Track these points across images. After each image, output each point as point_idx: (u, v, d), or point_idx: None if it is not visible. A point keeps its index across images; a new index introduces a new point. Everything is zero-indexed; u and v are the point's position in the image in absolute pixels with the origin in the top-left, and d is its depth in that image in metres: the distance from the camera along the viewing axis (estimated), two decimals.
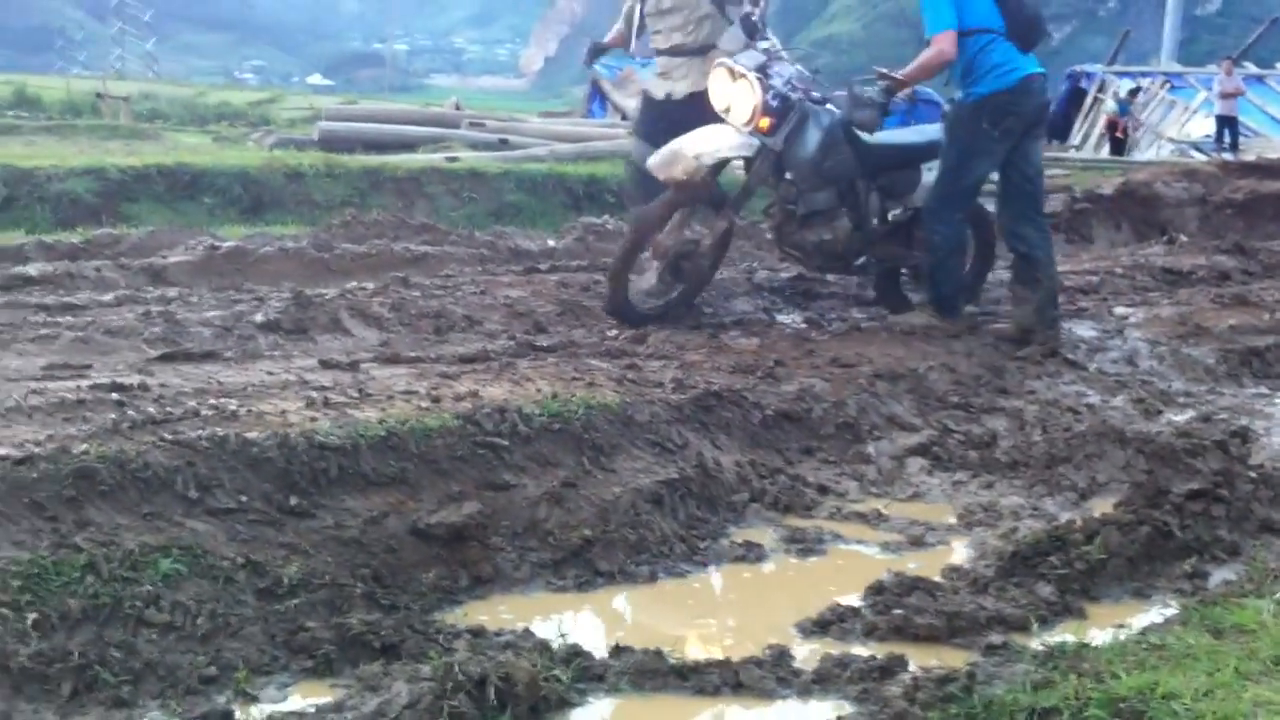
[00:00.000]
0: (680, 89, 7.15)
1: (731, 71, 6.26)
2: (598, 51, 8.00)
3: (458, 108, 21.48)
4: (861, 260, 6.67)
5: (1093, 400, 5.46)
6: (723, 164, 6.43)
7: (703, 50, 7.04)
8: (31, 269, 6.55)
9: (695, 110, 6.64)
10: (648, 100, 7.57)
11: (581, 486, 3.98)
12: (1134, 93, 27.59)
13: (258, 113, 29.81)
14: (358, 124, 15.57)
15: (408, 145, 14.42)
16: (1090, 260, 9.40)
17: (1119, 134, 25.83)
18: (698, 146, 6.20)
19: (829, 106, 6.41)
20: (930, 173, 6.49)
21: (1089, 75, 31.25)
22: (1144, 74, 30.67)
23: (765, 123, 6.19)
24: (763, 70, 6.26)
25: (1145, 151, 25.64)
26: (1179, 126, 26.65)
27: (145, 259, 6.97)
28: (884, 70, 6.09)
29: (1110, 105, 26.99)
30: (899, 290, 6.99)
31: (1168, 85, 28.82)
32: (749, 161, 6.39)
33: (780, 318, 6.73)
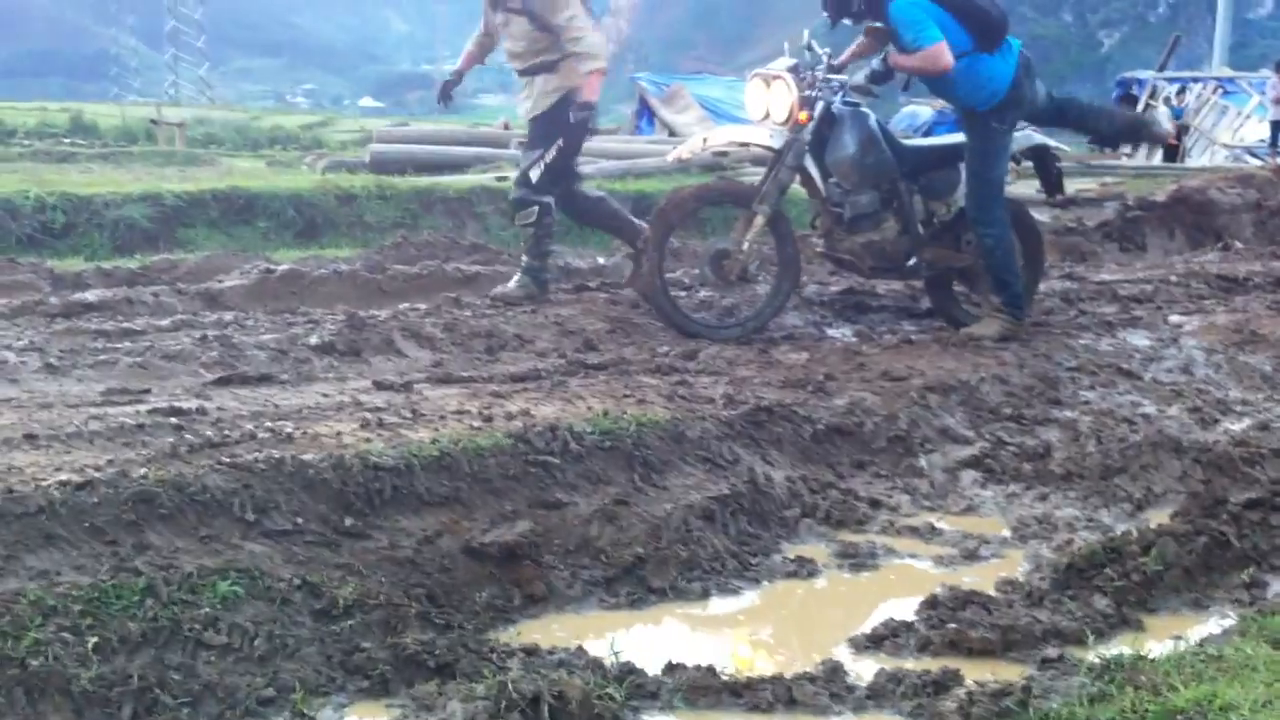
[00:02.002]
0: (525, 109, 7.17)
1: (765, 79, 6.38)
2: (448, 92, 7.64)
3: (506, 127, 21.56)
4: (913, 263, 6.67)
5: (1148, 410, 5.41)
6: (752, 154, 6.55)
7: (538, 70, 6.98)
8: (90, 295, 6.65)
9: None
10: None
11: (633, 504, 3.99)
12: (1180, 93, 27.30)
13: (310, 136, 30.06)
14: (408, 146, 15.69)
15: (457, 166, 14.52)
16: (1144, 268, 9.32)
17: (1172, 141, 25.56)
18: (710, 131, 6.46)
19: (863, 109, 6.50)
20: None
21: (1140, 82, 30.96)
22: (1195, 79, 30.35)
23: (804, 115, 6.32)
24: (795, 71, 6.39)
25: (1199, 158, 25.36)
26: (1232, 132, 26.32)
27: (201, 284, 7.07)
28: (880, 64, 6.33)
29: (1162, 111, 26.71)
30: (956, 302, 6.97)
31: (1220, 90, 28.48)
32: (776, 157, 6.41)
33: (830, 331, 6.71)
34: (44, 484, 3.32)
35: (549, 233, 7.15)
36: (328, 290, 7.08)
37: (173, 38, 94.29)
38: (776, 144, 6.38)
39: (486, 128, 23.13)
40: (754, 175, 7.28)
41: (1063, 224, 10.74)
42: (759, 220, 6.34)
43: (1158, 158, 25.20)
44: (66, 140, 23.23)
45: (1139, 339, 6.54)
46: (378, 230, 10.03)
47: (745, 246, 6.36)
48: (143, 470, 3.48)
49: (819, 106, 6.39)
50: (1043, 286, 7.78)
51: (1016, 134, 6.74)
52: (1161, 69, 32.67)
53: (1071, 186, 13.74)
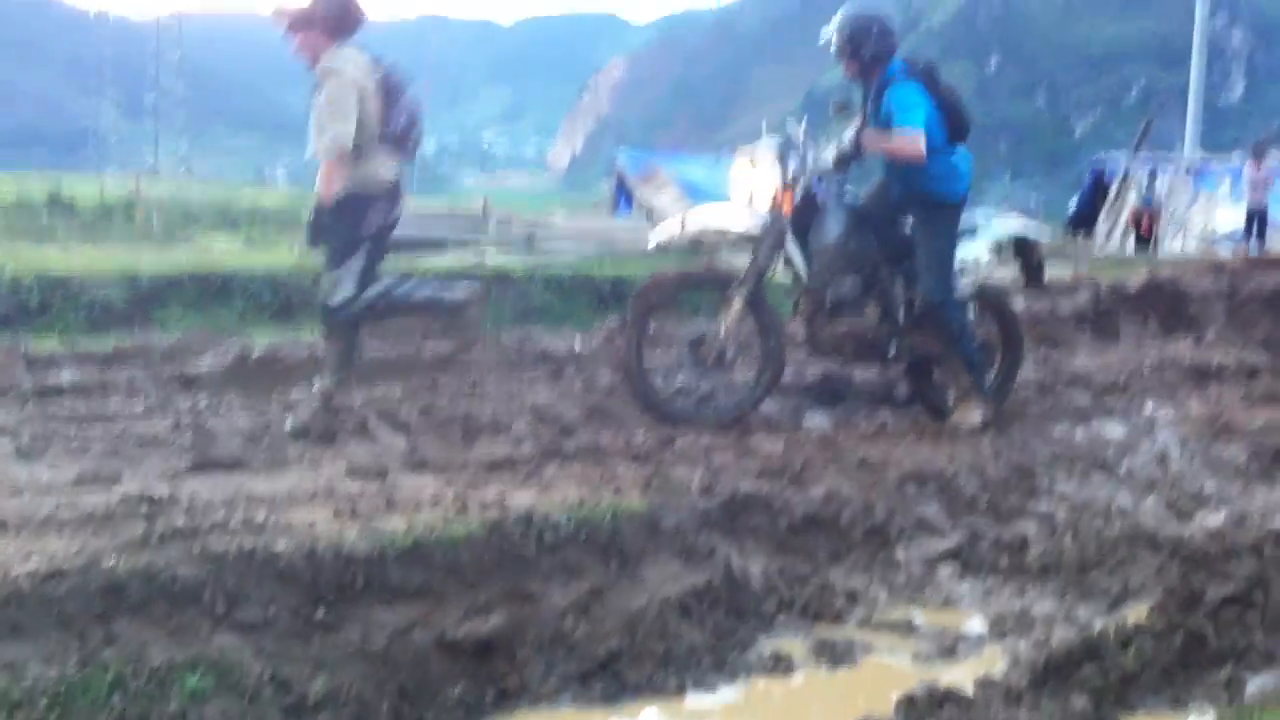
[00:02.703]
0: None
1: (752, 159, 6.43)
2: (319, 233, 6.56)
3: (486, 208, 21.71)
4: (894, 350, 6.70)
5: (1124, 502, 5.40)
6: (727, 241, 6.65)
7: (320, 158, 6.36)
8: (64, 378, 6.61)
9: (326, 216, 6.28)
10: None
11: (608, 596, 3.96)
12: (1152, 175, 27.64)
13: (288, 213, 30.14)
14: None
15: (435, 246, 14.57)
16: (1118, 357, 9.36)
17: (1145, 232, 25.85)
18: (688, 214, 6.58)
19: (849, 189, 6.60)
20: None
21: (1112, 168, 31.36)
22: (1168, 163, 30.76)
23: (789, 196, 6.40)
24: (782, 154, 6.46)
25: (1171, 243, 25.63)
26: (1204, 217, 26.66)
27: (176, 366, 7.03)
28: (847, 147, 6.44)
29: (1134, 198, 27.05)
30: (937, 390, 6.97)
31: (1192, 175, 28.87)
32: (756, 242, 6.45)
33: (807, 418, 6.71)
34: (13, 573, 3.27)
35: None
36: (304, 373, 7.05)
37: (153, 112, 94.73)
38: (754, 230, 6.43)
39: (464, 207, 23.23)
40: (734, 257, 7.29)
41: (1037, 311, 10.81)
42: (736, 304, 6.36)
43: (1130, 244, 25.51)
44: (44, 215, 23.21)
45: (1114, 429, 6.56)
46: None
47: (723, 331, 6.37)
48: (113, 560, 3.44)
49: (798, 192, 6.46)
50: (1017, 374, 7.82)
51: (998, 222, 6.88)
52: (1136, 150, 33.14)
53: (1045, 274, 13.88)
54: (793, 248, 6.50)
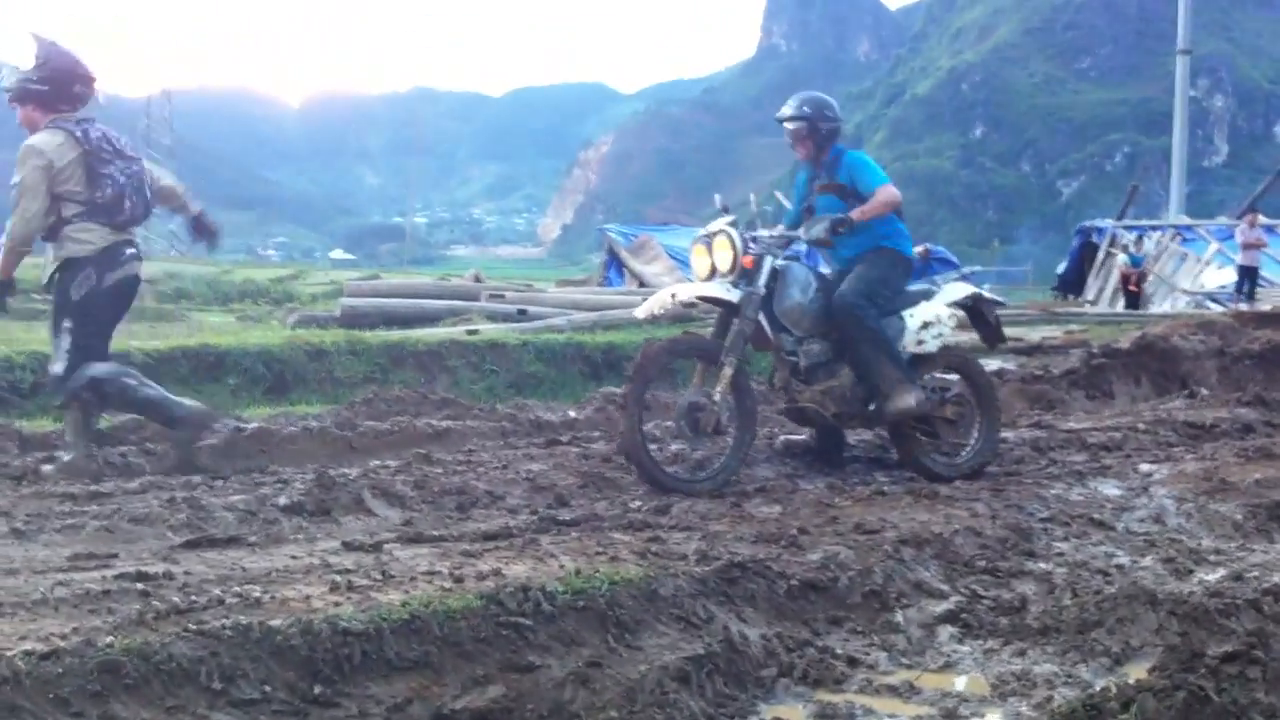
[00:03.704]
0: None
1: (708, 245, 6.62)
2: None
3: (478, 279, 21.81)
4: (873, 407, 6.82)
5: (1122, 560, 5.40)
6: (718, 306, 6.71)
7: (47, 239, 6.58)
8: (58, 457, 6.60)
9: (5, 291, 6.69)
10: None
11: (607, 665, 3.93)
12: (1139, 240, 27.90)
13: (281, 289, 30.28)
14: (379, 300, 15.82)
15: (429, 318, 14.62)
16: (1112, 416, 9.39)
17: (1133, 287, 26.04)
18: (678, 287, 6.77)
19: (803, 260, 7.00)
20: (912, 319, 6.98)
21: (1099, 230, 31.61)
22: (1154, 227, 31.04)
23: (748, 260, 6.60)
24: (735, 225, 6.69)
25: (1160, 304, 25.79)
26: (1192, 278, 26.84)
27: (170, 444, 7.02)
28: (840, 216, 6.72)
29: (1123, 259, 27.27)
30: (923, 448, 7.01)
31: (1178, 238, 29.11)
32: (734, 310, 6.58)
33: (802, 483, 6.71)
34: (9, 654, 3.25)
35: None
36: (297, 448, 7.05)
37: None
38: (735, 298, 6.53)
39: (458, 279, 23.34)
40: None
41: (1030, 371, 10.86)
42: (727, 371, 6.44)
43: (1119, 305, 25.65)
44: (36, 296, 23.24)
45: (1110, 488, 6.57)
46: (348, 385, 10.05)
47: (718, 398, 6.41)
48: (109, 639, 3.42)
49: (767, 261, 6.66)
50: (1012, 435, 7.85)
51: (951, 284, 7.16)
52: (1120, 217, 33.46)
53: (1036, 334, 13.96)
54: (760, 316, 6.64)
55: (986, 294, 7.53)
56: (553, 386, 10.58)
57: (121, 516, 5.18)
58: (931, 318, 6.98)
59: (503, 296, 16.53)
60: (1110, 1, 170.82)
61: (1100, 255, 30.46)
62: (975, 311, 7.35)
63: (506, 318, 14.75)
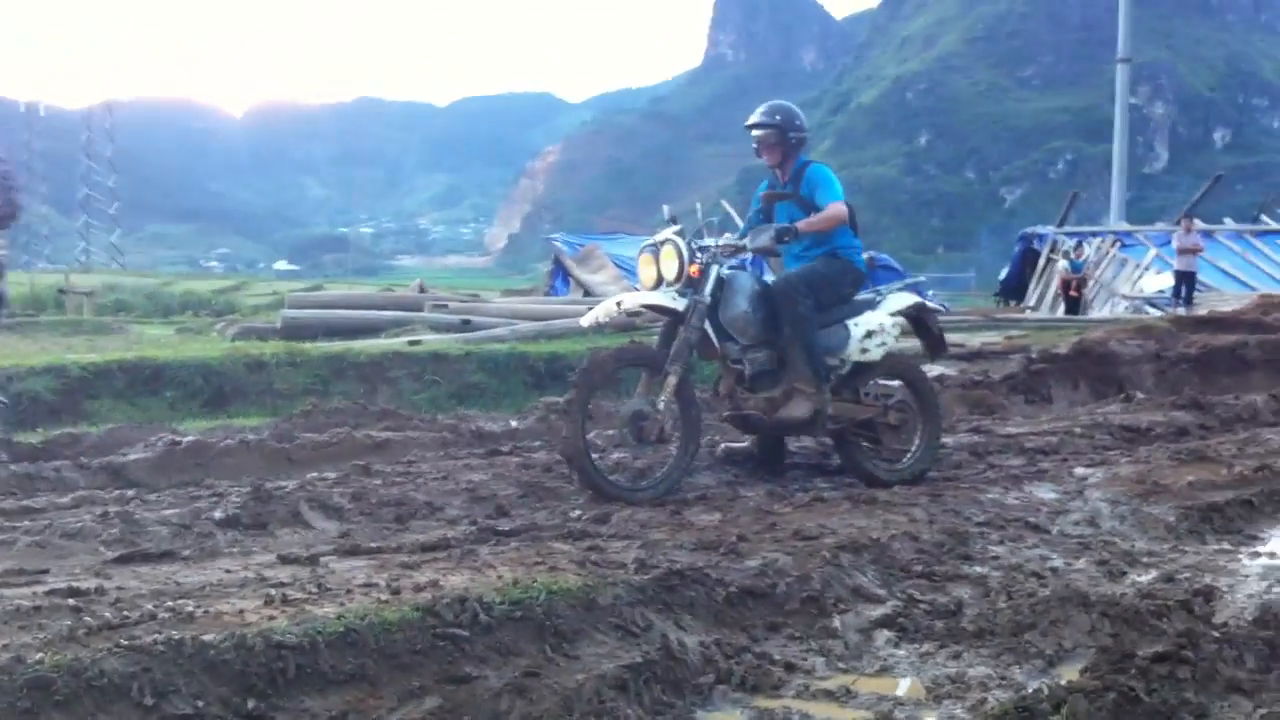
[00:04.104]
0: None
1: (655, 254, 6.63)
2: None
3: (422, 289, 21.72)
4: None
5: (1056, 564, 5.45)
6: (663, 314, 6.75)
7: None
8: None
9: None
10: None
11: (545, 675, 3.92)
12: (1079, 246, 28.25)
13: (222, 301, 30.05)
14: (321, 311, 15.73)
15: (372, 329, 14.55)
16: (1049, 420, 9.49)
17: (1073, 293, 26.34)
18: (623, 295, 6.81)
19: (748, 270, 6.91)
20: (856, 327, 7.04)
21: (1040, 236, 31.96)
22: (1094, 234, 31.41)
23: (694, 269, 6.62)
24: (681, 234, 6.71)
25: (1100, 309, 26.09)
26: (1131, 283, 27.19)
27: (105, 458, 6.96)
28: (786, 225, 6.80)
29: (1063, 264, 27.58)
30: (865, 455, 7.07)
31: (1118, 244, 29.48)
32: (680, 319, 6.61)
33: (743, 490, 6.74)
34: None
35: None
36: (235, 461, 7.00)
37: (85, 205, 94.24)
38: (680, 307, 6.56)
39: (402, 290, 23.25)
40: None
41: (969, 377, 10.95)
42: (672, 380, 6.46)
43: (1060, 310, 25.93)
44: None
45: (1046, 492, 6.64)
46: (288, 398, 9.98)
47: (662, 407, 6.43)
48: (39, 655, 3.37)
49: (713, 270, 6.68)
50: (951, 440, 7.91)
51: (894, 294, 7.30)
52: (1061, 224, 33.84)
53: (977, 340, 14.08)
54: (705, 324, 6.67)
55: (930, 303, 7.61)
56: (495, 397, 10.56)
57: (53, 532, 5.12)
58: (875, 326, 7.04)
59: (446, 306, 16.48)
60: (1052, 10, 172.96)
61: (1041, 261, 30.81)
62: (918, 321, 7.42)
63: (450, 328, 14.70)
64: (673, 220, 6.87)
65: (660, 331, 6.84)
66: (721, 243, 6.84)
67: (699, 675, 4.24)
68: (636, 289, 7.07)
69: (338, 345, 11.98)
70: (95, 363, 9.81)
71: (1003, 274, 35.06)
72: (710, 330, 6.70)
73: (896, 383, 7.33)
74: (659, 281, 6.67)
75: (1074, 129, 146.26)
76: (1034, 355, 11.60)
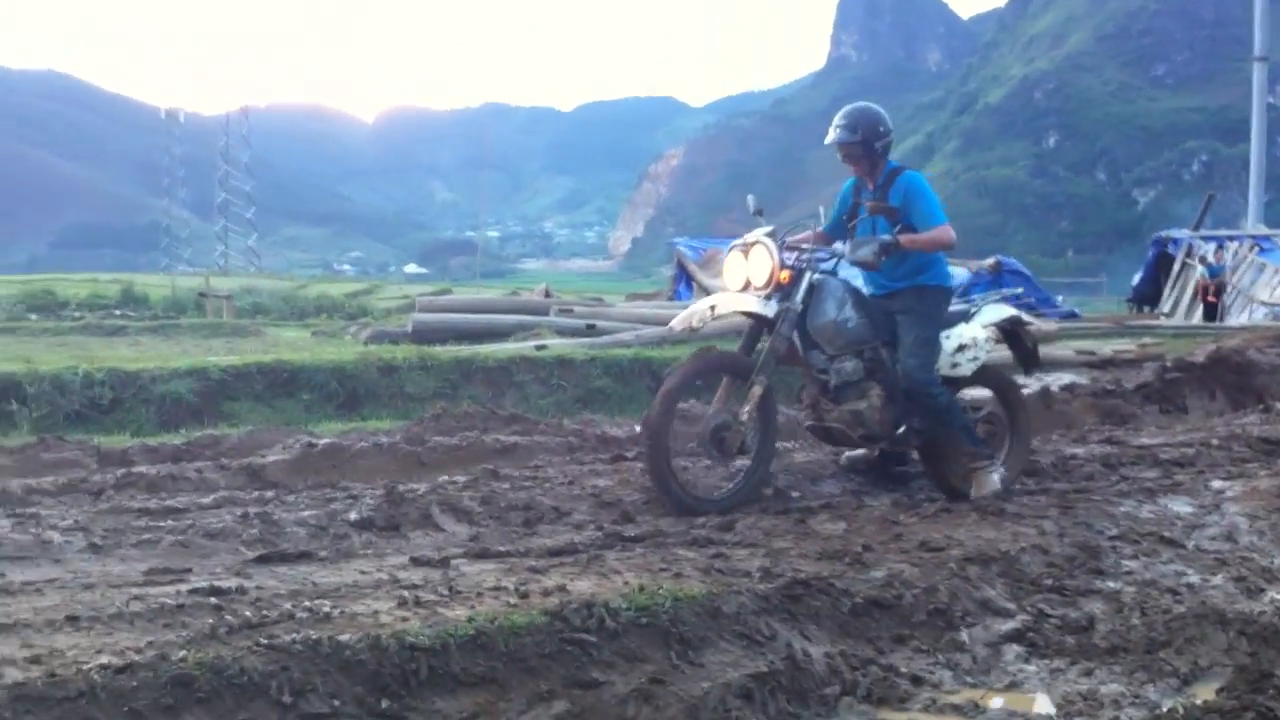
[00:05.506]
0: None
1: (743, 249, 6.50)
2: None
3: (547, 293, 21.92)
4: (902, 430, 6.70)
5: (1192, 579, 5.33)
6: (751, 323, 6.60)
7: None
8: (135, 472, 6.74)
9: None
10: None
11: (670, 682, 3.96)
12: (1218, 250, 27.48)
13: (355, 304, 30.61)
14: (449, 315, 15.96)
15: (498, 334, 14.73)
16: (1184, 431, 9.26)
17: (1211, 298, 25.64)
18: (715, 299, 6.56)
19: (841, 276, 6.73)
20: (948, 340, 6.81)
21: (1175, 241, 31.13)
22: (1231, 237, 30.52)
23: (785, 275, 6.46)
24: (773, 236, 6.55)
25: (1237, 315, 25.35)
26: (1270, 289, 26.35)
27: (244, 459, 7.16)
28: (889, 240, 6.50)
29: (1200, 269, 26.86)
30: (952, 470, 6.89)
31: (1256, 248, 28.60)
32: (769, 325, 6.49)
33: (868, 500, 6.69)
34: (85, 667, 3.34)
35: None
36: (368, 464, 7.15)
37: (223, 209, 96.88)
38: (771, 314, 6.46)
39: (527, 294, 23.48)
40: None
41: (1101, 386, 10.74)
42: (757, 390, 6.34)
43: (1197, 317, 25.24)
44: (117, 312, 23.74)
45: (1181, 505, 6.48)
46: (419, 401, 10.16)
47: (744, 418, 6.32)
48: (182, 652, 3.50)
49: (806, 277, 6.52)
50: (1083, 451, 7.78)
51: (989, 306, 7.11)
52: (1197, 227, 32.93)
53: (1108, 347, 13.80)
54: (793, 332, 6.54)
55: (1025, 317, 7.42)
56: (619, 402, 10.62)
57: (196, 532, 5.29)
58: (969, 340, 6.84)
59: (571, 311, 16.62)
60: (1185, 7, 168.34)
61: (1176, 266, 30.03)
62: (1012, 334, 7.24)
63: (575, 332, 14.82)
64: (759, 213, 6.68)
65: (744, 336, 6.66)
66: (817, 247, 6.66)
67: (824, 686, 4.23)
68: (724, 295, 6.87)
69: (466, 349, 12.16)
70: (235, 365, 10.09)
71: (1135, 279, 34.26)
72: (796, 337, 6.55)
73: (987, 393, 7.19)
74: (747, 284, 6.53)
75: (1209, 129, 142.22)
76: (1168, 364, 11.33)
